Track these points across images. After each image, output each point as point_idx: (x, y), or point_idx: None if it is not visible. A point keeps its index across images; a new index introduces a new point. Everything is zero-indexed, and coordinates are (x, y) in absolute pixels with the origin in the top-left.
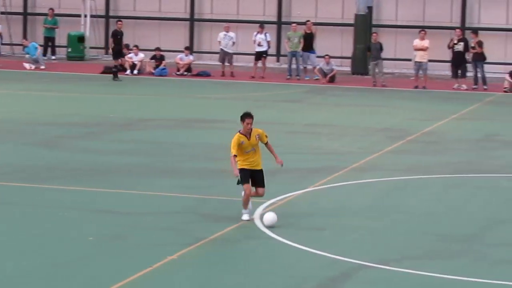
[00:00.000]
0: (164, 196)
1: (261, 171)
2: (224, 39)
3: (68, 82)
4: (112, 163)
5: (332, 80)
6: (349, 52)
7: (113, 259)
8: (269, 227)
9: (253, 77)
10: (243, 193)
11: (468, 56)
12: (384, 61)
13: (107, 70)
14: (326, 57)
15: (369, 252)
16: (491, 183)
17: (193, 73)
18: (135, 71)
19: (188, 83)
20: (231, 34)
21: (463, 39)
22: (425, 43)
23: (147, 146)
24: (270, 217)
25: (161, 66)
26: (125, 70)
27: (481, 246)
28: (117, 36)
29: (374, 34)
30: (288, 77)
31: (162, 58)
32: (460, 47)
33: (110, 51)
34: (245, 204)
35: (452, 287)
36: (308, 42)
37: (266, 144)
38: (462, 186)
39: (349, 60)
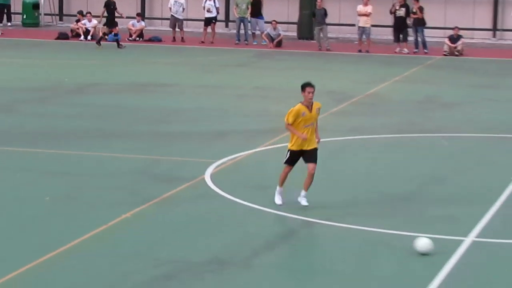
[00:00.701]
0: (116, 157)
1: (315, 149)
2: (174, 5)
3: (24, 48)
4: (65, 127)
5: (279, 44)
6: (295, 17)
7: (69, 218)
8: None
9: (202, 42)
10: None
11: (409, 21)
12: (329, 26)
13: (61, 36)
14: (273, 22)
15: (314, 209)
16: (431, 142)
17: (145, 39)
18: (89, 37)
19: (140, 48)
20: (181, 0)
21: (404, 5)
22: (368, 9)
23: (100, 110)
24: (424, 243)
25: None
26: (85, 36)
27: (420, 202)
28: (110, 6)
29: (318, 1)
30: (237, 42)
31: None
32: (401, 12)
33: (104, 20)
34: (281, 181)
35: (392, 241)
36: (256, 8)
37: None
38: (403, 145)
39: (295, 26)
